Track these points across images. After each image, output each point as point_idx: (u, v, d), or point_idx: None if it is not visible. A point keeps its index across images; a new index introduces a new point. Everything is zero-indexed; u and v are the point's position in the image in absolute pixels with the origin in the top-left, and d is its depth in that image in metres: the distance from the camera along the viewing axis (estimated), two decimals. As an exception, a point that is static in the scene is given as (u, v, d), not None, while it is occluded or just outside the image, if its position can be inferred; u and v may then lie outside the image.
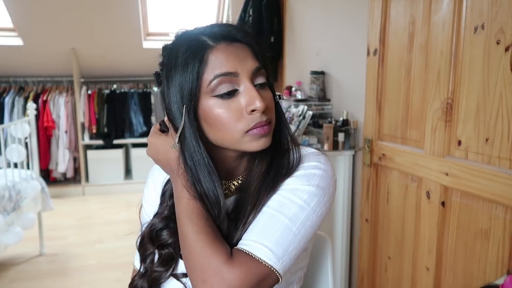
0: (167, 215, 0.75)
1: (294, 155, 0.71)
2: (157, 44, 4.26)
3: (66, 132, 4.27)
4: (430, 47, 1.44)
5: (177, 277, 0.74)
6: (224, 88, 0.63)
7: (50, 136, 4.27)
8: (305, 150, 0.73)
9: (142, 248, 0.78)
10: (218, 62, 0.62)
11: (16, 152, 2.69)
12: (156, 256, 0.76)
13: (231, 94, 0.63)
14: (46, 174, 4.30)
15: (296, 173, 0.68)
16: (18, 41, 3.88)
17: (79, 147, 4.34)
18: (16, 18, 3.64)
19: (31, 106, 2.96)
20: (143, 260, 0.78)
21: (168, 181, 0.80)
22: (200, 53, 0.62)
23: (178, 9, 4.27)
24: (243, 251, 0.61)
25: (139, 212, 0.86)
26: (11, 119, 4.11)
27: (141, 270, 0.79)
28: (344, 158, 1.99)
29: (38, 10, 3.56)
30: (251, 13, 3.03)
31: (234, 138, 0.65)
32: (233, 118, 0.63)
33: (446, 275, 1.42)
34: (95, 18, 3.75)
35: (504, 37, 1.15)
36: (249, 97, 0.63)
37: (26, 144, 2.87)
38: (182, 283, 0.73)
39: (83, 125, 4.35)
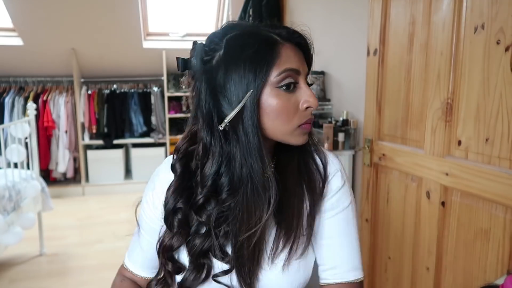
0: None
1: (317, 154, 0.79)
2: (157, 44, 4.26)
3: (66, 132, 4.27)
4: (430, 47, 1.44)
5: (217, 277, 0.73)
6: (288, 81, 0.68)
7: (50, 136, 4.27)
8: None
9: (164, 253, 0.76)
10: (288, 58, 0.68)
11: (16, 152, 2.69)
12: (187, 262, 0.75)
13: (292, 88, 0.69)
14: (46, 174, 4.30)
15: (337, 184, 0.78)
16: (18, 41, 3.88)
17: (79, 147, 4.34)
18: (16, 18, 3.64)
19: (31, 106, 2.96)
20: (165, 263, 0.76)
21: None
22: (273, 47, 0.68)
23: (178, 9, 4.27)
24: (347, 283, 0.75)
25: (136, 211, 0.84)
26: (11, 119, 4.11)
27: (160, 275, 0.77)
28: (344, 158, 1.99)
29: (38, 10, 3.56)
30: (251, 13, 3.03)
31: (287, 129, 0.71)
32: (291, 110, 0.69)
33: (446, 275, 1.42)
34: (95, 18, 3.75)
35: (504, 37, 1.15)
36: (306, 95, 0.70)
37: (26, 144, 2.87)
38: (224, 284, 0.73)
39: (83, 125, 4.35)
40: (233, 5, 3.58)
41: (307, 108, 0.70)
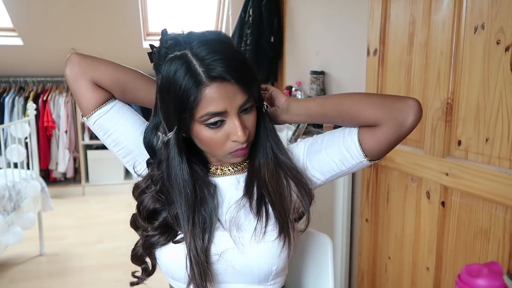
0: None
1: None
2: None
3: (66, 132, 4.27)
4: (430, 47, 1.44)
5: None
6: (213, 121, 0.72)
7: (50, 136, 4.26)
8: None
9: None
10: (211, 101, 0.69)
11: (16, 152, 2.69)
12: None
13: (219, 125, 0.73)
14: (46, 174, 4.30)
15: (297, 147, 0.86)
16: (18, 41, 3.88)
17: (79, 147, 4.34)
18: (16, 18, 3.64)
19: (31, 106, 2.96)
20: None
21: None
22: (196, 90, 0.69)
23: (178, 9, 4.26)
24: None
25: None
26: (11, 119, 4.10)
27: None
28: (344, 158, 1.99)
29: (38, 10, 3.56)
30: (251, 13, 3.03)
31: (218, 155, 0.78)
32: (219, 142, 0.74)
33: (446, 275, 1.42)
34: (95, 18, 3.75)
35: (504, 37, 1.15)
36: (233, 130, 0.72)
37: (26, 144, 2.87)
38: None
39: (83, 125, 4.35)
40: (233, 5, 3.57)
41: (235, 141, 0.74)
